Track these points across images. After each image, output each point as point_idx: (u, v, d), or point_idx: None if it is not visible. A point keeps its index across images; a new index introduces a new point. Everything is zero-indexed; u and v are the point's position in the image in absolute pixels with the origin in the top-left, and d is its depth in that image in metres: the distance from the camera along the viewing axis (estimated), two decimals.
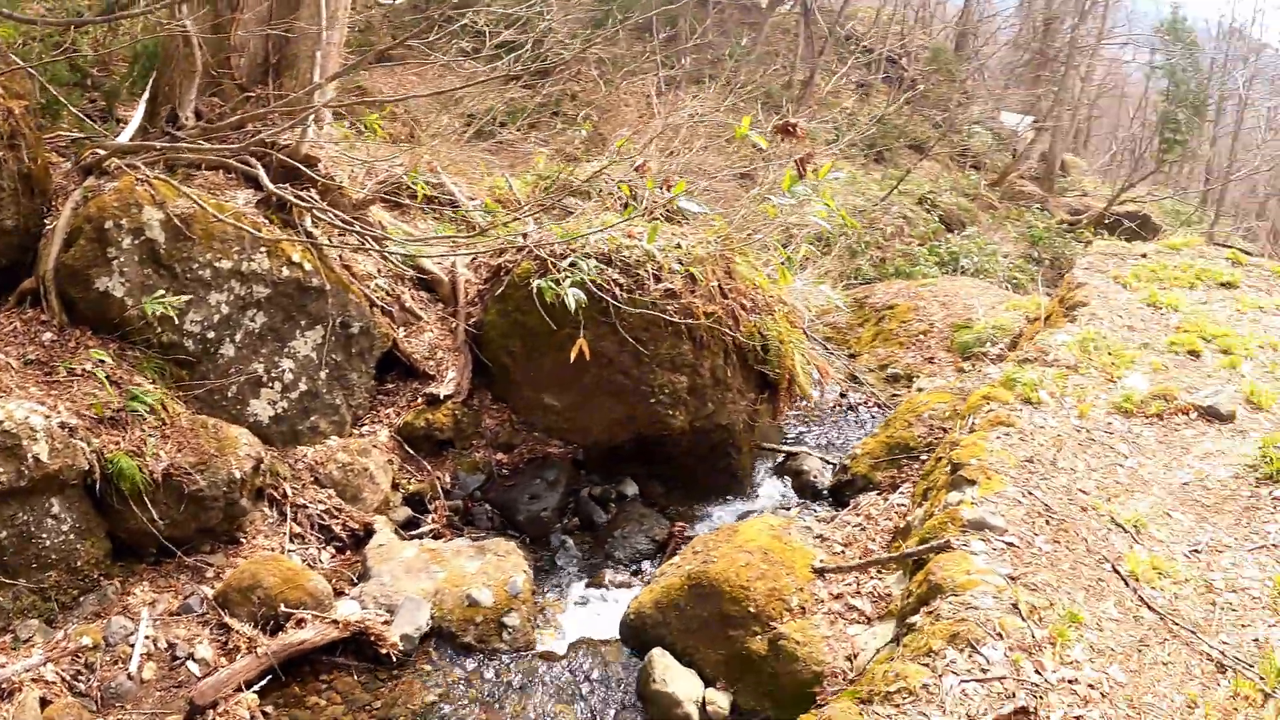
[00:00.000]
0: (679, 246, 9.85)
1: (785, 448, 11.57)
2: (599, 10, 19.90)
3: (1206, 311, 11.14)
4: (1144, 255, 13.82)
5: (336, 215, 8.59)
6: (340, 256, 9.39)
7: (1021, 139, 33.55)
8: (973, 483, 6.94)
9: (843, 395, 13.57)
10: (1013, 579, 5.90)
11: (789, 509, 9.96)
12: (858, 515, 8.46)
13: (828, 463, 10.93)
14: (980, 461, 7.21)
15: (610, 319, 9.11)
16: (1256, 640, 5.59)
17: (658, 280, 9.39)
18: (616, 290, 9.08)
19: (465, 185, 12.81)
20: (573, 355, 7.82)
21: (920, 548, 6.54)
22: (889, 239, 22.75)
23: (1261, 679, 5.20)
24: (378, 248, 9.31)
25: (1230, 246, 17.53)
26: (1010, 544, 6.26)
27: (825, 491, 10.34)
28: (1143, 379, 9.03)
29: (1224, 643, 5.56)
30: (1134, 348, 9.82)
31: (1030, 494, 6.85)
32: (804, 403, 12.62)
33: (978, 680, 5.02)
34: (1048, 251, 24.33)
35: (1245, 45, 43.09)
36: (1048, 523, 6.58)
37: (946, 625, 5.46)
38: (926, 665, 5.22)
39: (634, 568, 8.90)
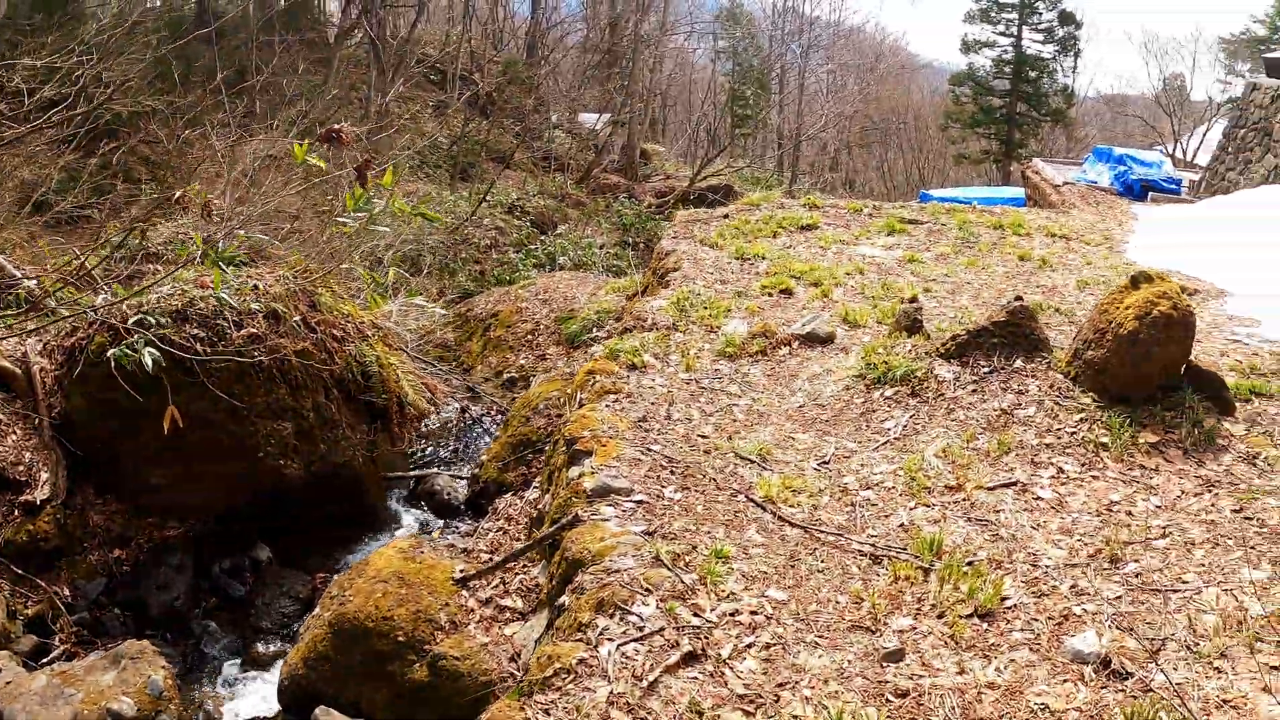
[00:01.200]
0: (255, 288, 9.75)
1: (414, 473, 11.99)
2: (158, 62, 19.28)
3: (793, 254, 12.40)
4: (726, 216, 15.13)
5: None
6: None
7: (601, 136, 36.04)
8: (589, 453, 7.25)
9: (464, 410, 13.95)
10: (650, 534, 6.19)
11: (430, 533, 10.26)
12: (497, 519, 8.62)
13: (459, 478, 11.45)
14: (593, 432, 7.54)
15: (197, 378, 8.91)
16: (903, 525, 6.27)
17: (239, 327, 9.34)
18: (198, 346, 8.89)
19: (29, 265, 11.79)
20: (165, 426, 7.49)
21: (552, 529, 6.75)
22: (484, 251, 24.25)
23: (917, 557, 5.81)
24: None
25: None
26: (640, 501, 6.58)
27: (463, 506, 10.90)
28: (741, 323, 9.87)
29: (872, 536, 6.15)
30: (729, 298, 10.72)
31: (649, 450, 7.25)
32: (428, 424, 12.92)
33: (635, 640, 5.20)
34: (640, 235, 26.58)
35: (799, 20, 49.11)
36: (672, 473, 6.99)
37: (592, 595, 5.63)
38: (580, 640, 5.34)
39: (284, 633, 8.88)
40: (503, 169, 29.64)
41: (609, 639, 5.26)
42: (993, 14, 45.59)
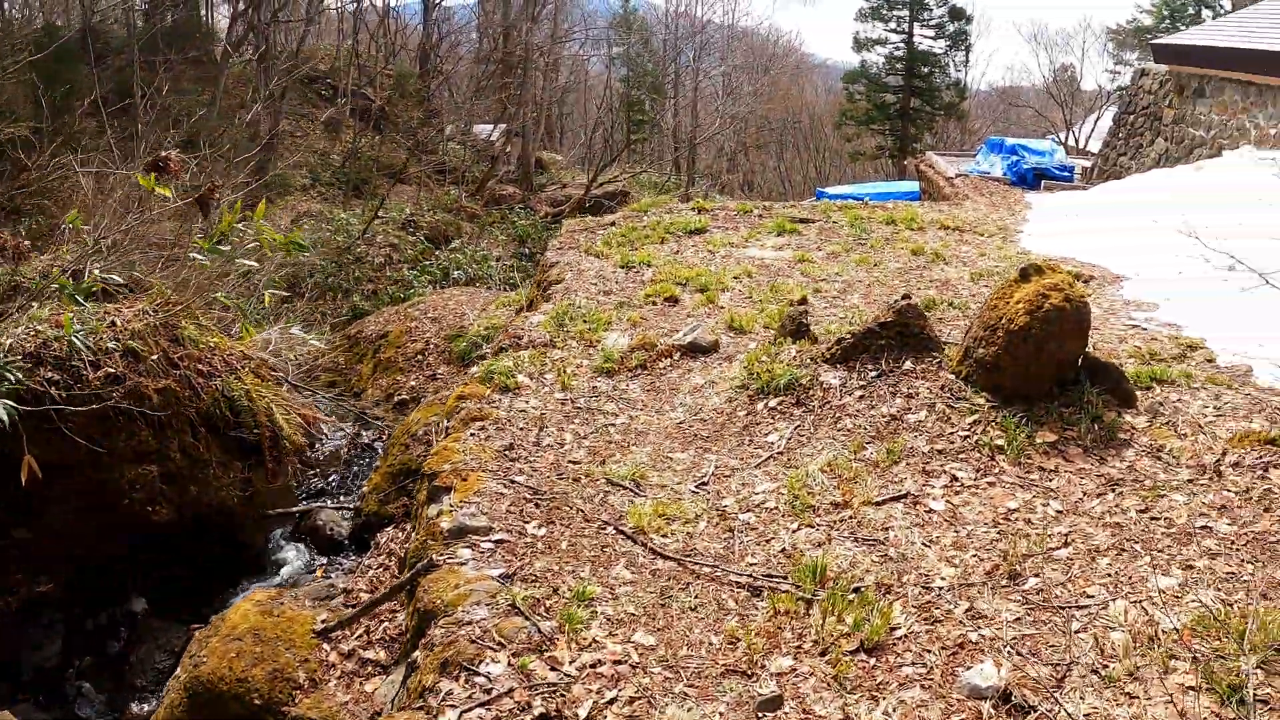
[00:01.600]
0: (113, 324, 9.15)
1: (297, 508, 11.27)
2: (37, 85, 18.51)
3: (679, 259, 11.88)
4: (613, 223, 14.58)
5: None
6: None
7: (497, 147, 35.59)
8: (448, 489, 6.64)
9: (354, 436, 13.31)
10: (508, 577, 5.60)
11: (313, 571, 9.69)
12: (379, 555, 7.99)
13: (345, 509, 10.80)
14: (454, 465, 6.93)
15: (54, 424, 8.33)
16: (785, 551, 5.74)
17: (96, 368, 8.73)
18: (53, 391, 8.32)
19: None
20: (24, 477, 7.37)
21: (409, 575, 6.11)
22: (378, 270, 23.84)
23: (798, 587, 5.27)
24: None
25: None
26: (500, 541, 5.99)
27: (347, 540, 10.26)
28: (622, 336, 9.31)
29: (751, 565, 5.61)
30: (611, 309, 10.16)
31: (513, 483, 6.66)
32: (318, 452, 12.33)
33: (481, 705, 4.59)
34: (537, 246, 26.39)
35: (692, 23, 49.09)
36: (537, 506, 6.40)
37: (439, 654, 5.00)
38: (421, 708, 4.71)
39: (159, 691, 8.27)
40: (394, 184, 29.06)
41: (451, 705, 4.63)
42: (884, 11, 45.93)
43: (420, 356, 15.13)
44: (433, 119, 34.43)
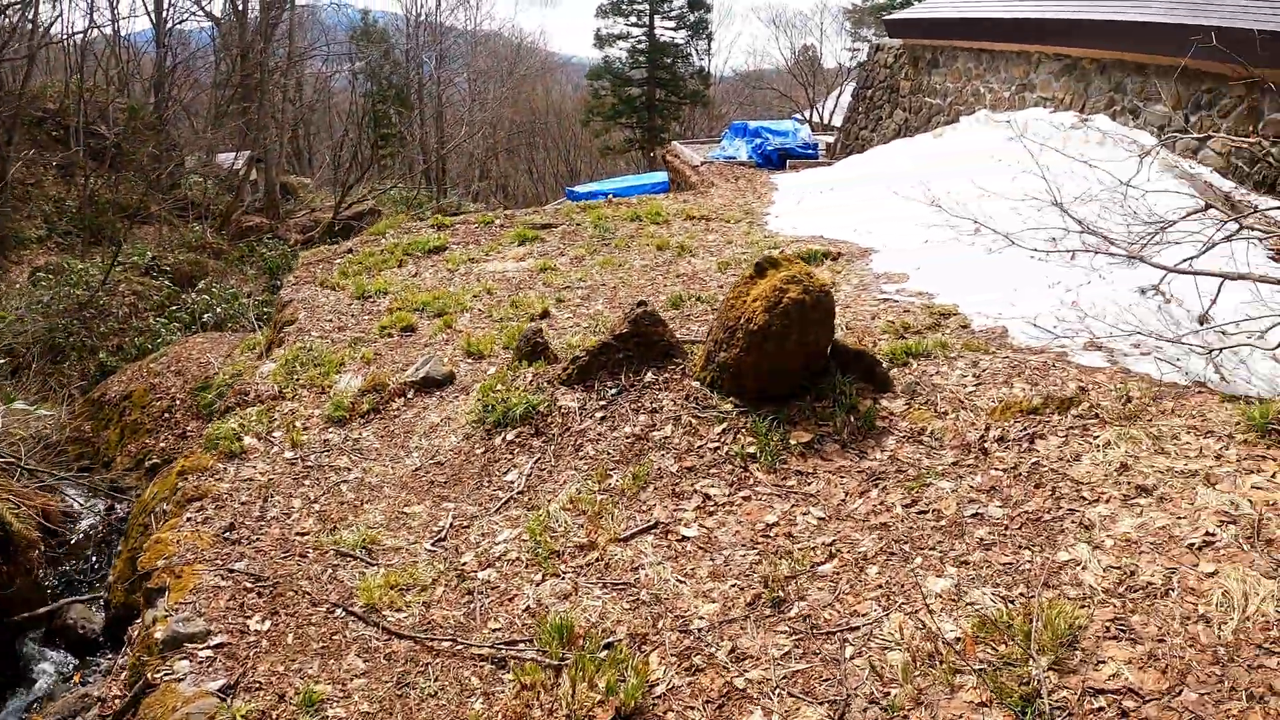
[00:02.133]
0: None
1: (45, 608, 9.96)
2: None
3: (417, 283, 11.15)
4: (350, 250, 13.71)
5: None
6: None
7: (240, 175, 33.71)
8: (163, 590, 5.71)
9: (109, 512, 12.06)
10: (230, 689, 4.77)
11: (69, 678, 8.56)
12: (135, 651, 6.91)
13: (98, 599, 9.64)
14: (169, 560, 5.99)
15: None
16: (529, 609, 5.08)
17: None
18: None
19: None
20: None
21: (129, 699, 5.18)
22: (124, 321, 21.80)
23: (544, 652, 4.63)
24: None
25: (449, 214, 18.46)
26: (220, 645, 5.14)
27: (101, 638, 9.12)
28: (354, 378, 8.51)
29: (494, 632, 4.94)
30: (344, 348, 9.34)
31: (233, 571, 5.78)
32: (67, 540, 11.12)
33: None
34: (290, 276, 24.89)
35: (434, 32, 47.99)
36: (260, 594, 5.56)
37: None
38: None
39: None
40: (129, 226, 27.01)
41: None
42: (624, 6, 46.16)
43: (168, 415, 13.83)
44: (171, 152, 32.18)
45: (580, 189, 23.26)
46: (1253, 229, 7.56)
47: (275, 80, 34.96)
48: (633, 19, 46.57)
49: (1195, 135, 11.46)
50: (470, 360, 8.38)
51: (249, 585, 5.71)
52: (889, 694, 4.01)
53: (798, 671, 4.26)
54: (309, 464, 7.23)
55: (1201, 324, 7.09)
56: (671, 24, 47.09)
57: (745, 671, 4.30)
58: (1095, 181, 8.55)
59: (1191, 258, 7.03)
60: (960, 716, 3.81)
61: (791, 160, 18.59)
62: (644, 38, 46.50)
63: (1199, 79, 11.97)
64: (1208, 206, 7.70)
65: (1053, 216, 8.09)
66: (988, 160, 12.15)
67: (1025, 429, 5.87)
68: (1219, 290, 7.07)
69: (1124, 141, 11.97)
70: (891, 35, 20.30)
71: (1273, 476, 4.90)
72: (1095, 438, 5.62)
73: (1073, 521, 4.93)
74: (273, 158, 35.09)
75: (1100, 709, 3.72)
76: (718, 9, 79.05)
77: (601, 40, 46.90)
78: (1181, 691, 3.74)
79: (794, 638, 4.46)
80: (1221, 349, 6.51)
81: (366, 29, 47.75)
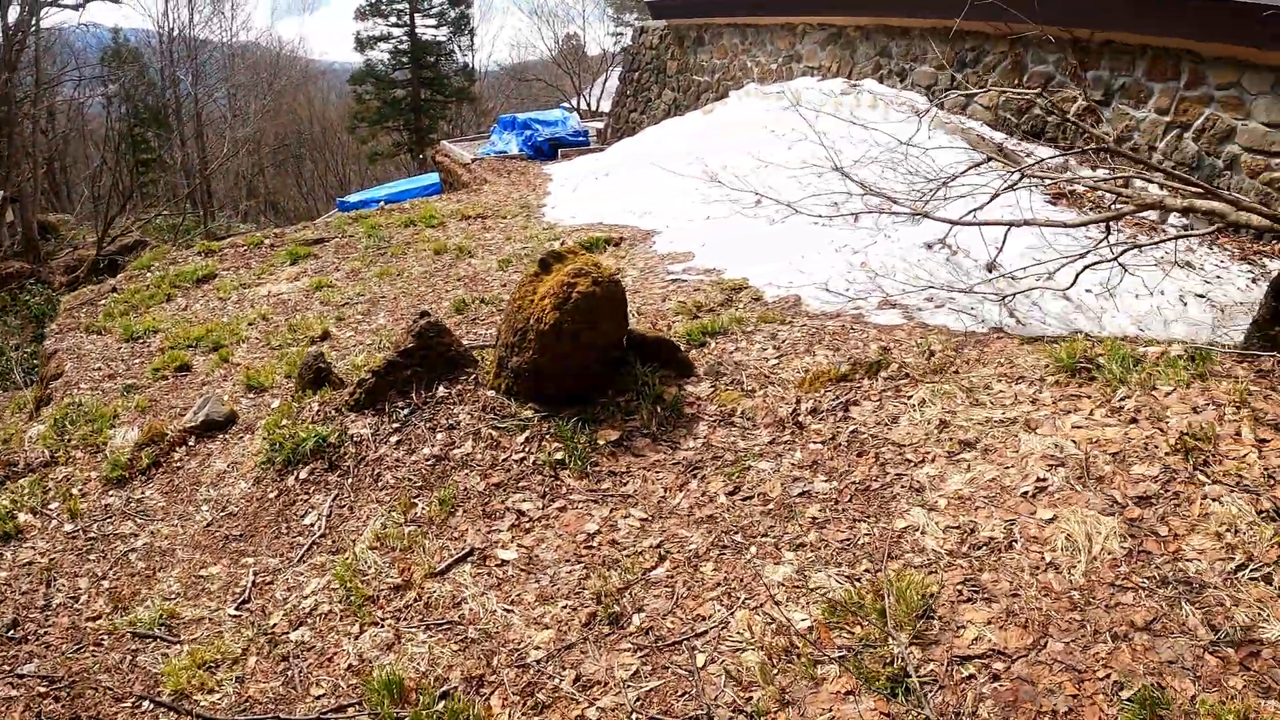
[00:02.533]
0: None
1: None
2: None
3: (189, 316, 10.37)
4: (115, 289, 12.68)
5: None
6: None
7: None
8: None
9: None
10: None
11: None
12: None
13: None
14: None
15: None
16: (353, 667, 4.58)
17: None
18: None
19: None
20: None
21: None
22: None
23: (376, 715, 4.18)
24: None
25: (217, 237, 17.54)
26: None
27: None
28: (130, 430, 7.73)
29: (319, 700, 4.44)
30: (116, 398, 8.50)
31: (22, 677, 5.05)
32: None
33: None
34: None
35: (189, 47, 45.69)
36: (57, 700, 4.85)
37: None
38: None
39: None
40: None
41: None
42: (384, 6, 45.15)
43: None
44: None
45: (352, 199, 22.47)
46: (1033, 177, 7.67)
47: (25, 111, 32.39)
48: (393, 19, 45.54)
49: (963, 92, 11.67)
50: (252, 395, 7.75)
51: (44, 690, 5.02)
52: (751, 698, 3.76)
53: (651, 690, 3.95)
54: (91, 535, 6.47)
55: (990, 272, 7.15)
56: (433, 22, 46.29)
57: (596, 700, 3.97)
58: (873, 144, 8.55)
59: (976, 209, 7.06)
60: (829, 710, 3.59)
61: (564, 149, 18.35)
62: (406, 38, 45.52)
63: (962, 38, 12.26)
64: (988, 159, 7.77)
65: (834, 181, 8.03)
66: (762, 132, 12.12)
67: (838, 397, 5.73)
68: (1005, 238, 7.13)
69: (895, 103, 12.15)
70: (655, 17, 20.27)
71: (1090, 414, 4.88)
72: (909, 398, 5.52)
73: (902, 486, 4.80)
74: (28, 196, 32.47)
75: (971, 676, 3.57)
76: (479, 4, 78.38)
77: (363, 43, 45.69)
78: (1046, 643, 3.64)
79: (640, 654, 4.16)
80: (1014, 294, 6.55)
81: (118, 49, 44.95)
